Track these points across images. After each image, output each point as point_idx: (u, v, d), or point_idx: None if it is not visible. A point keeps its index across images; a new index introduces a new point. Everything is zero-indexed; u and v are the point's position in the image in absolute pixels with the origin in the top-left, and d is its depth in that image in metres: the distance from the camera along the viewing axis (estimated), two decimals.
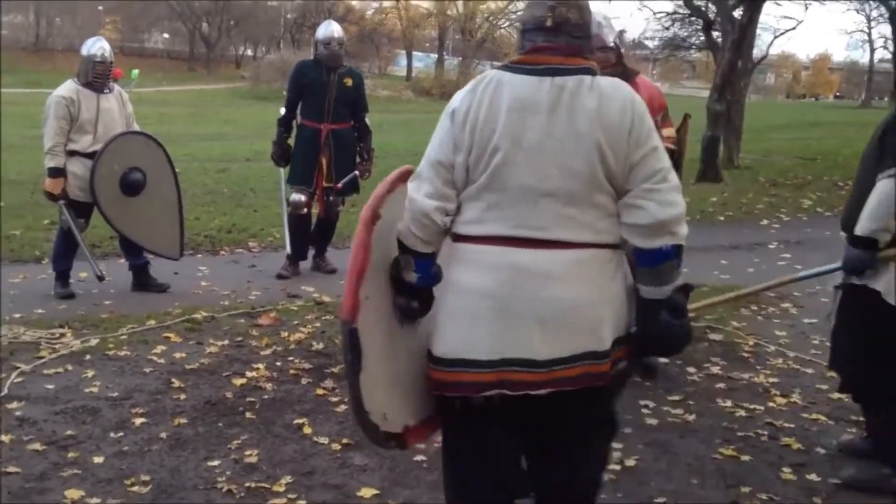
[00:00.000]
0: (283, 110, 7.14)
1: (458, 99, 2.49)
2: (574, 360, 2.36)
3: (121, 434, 3.94)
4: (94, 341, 5.25)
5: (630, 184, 2.38)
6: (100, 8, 61.47)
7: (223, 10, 64.19)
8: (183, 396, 4.43)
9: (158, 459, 3.74)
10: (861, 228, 3.36)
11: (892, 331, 3.44)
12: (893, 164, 3.30)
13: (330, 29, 7.21)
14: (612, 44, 4.93)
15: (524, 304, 2.36)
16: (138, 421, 4.11)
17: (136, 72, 53.51)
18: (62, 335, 5.35)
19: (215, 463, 3.70)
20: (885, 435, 3.61)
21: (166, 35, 68.97)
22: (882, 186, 3.30)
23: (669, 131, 4.87)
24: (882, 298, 3.43)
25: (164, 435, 3.95)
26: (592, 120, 2.34)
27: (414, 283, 2.51)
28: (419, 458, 3.77)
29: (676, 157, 4.82)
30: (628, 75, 4.94)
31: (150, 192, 6.45)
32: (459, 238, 2.48)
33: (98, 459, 3.71)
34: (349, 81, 7.00)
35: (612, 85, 2.42)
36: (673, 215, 2.37)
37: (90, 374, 4.71)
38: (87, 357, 4.98)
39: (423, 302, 2.55)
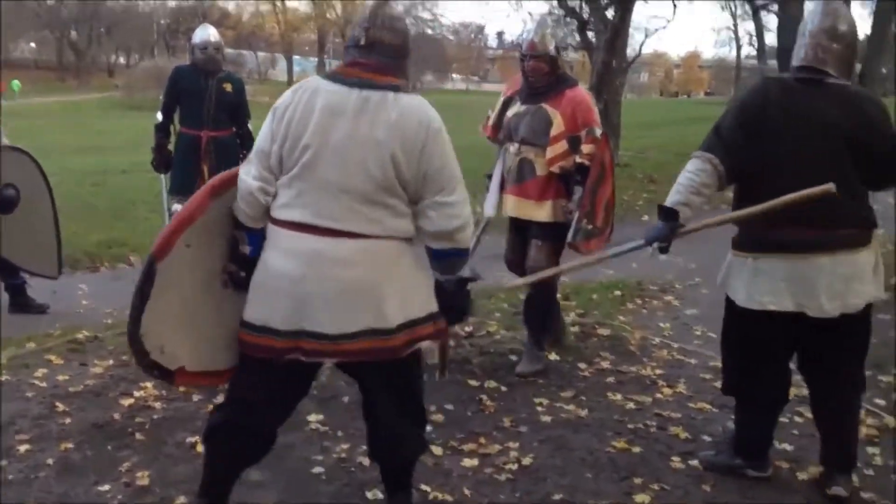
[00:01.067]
0: (159, 116, 6.92)
1: (282, 97, 2.88)
2: (358, 336, 2.77)
3: (5, 462, 3.77)
4: None
5: (422, 193, 2.81)
6: None
7: (92, 17, 62.18)
8: (68, 420, 4.27)
9: (46, 486, 3.59)
10: (667, 200, 3.54)
11: (739, 326, 3.59)
12: (701, 148, 3.51)
13: (206, 33, 7.04)
14: (547, 53, 4.92)
15: (316, 284, 2.75)
16: (23, 448, 3.93)
17: (16, 83, 51.10)
18: None
19: (106, 487, 3.58)
20: (740, 428, 3.75)
21: (33, 44, 66.45)
22: (689, 164, 3.50)
23: (590, 148, 4.81)
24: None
25: (50, 461, 3.80)
26: (390, 131, 2.74)
27: (248, 255, 2.92)
28: (317, 470, 3.76)
29: (585, 174, 4.81)
30: (562, 85, 4.97)
31: (23, 208, 6.17)
32: (272, 220, 2.87)
33: None
34: (228, 87, 6.83)
35: (413, 103, 2.82)
36: (453, 227, 2.84)
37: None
38: None
39: (250, 273, 2.92)
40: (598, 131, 4.88)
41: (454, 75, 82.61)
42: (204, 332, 2.97)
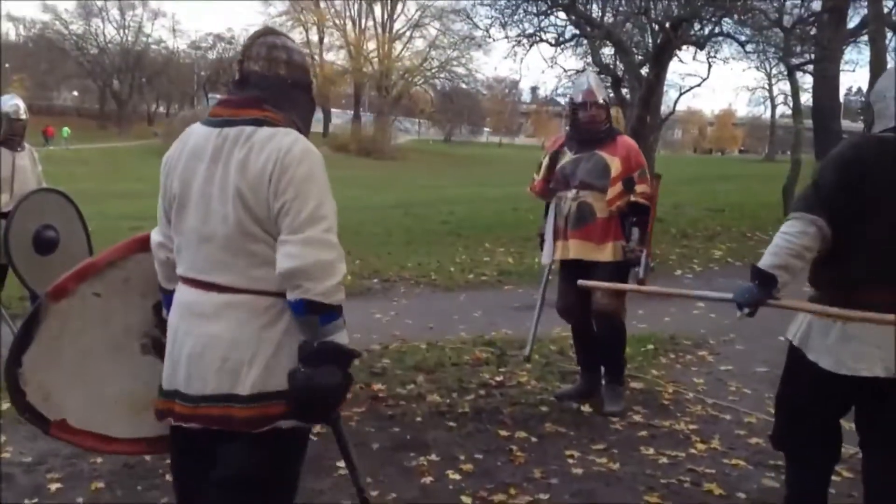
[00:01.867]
0: None
1: (170, 149, 2.65)
2: (216, 400, 2.45)
3: (36, 500, 3.79)
4: (4, 406, 5.04)
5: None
6: (6, 66, 60.27)
7: (134, 67, 63.61)
8: (99, 460, 4.28)
9: None
10: (763, 262, 3.18)
11: (803, 385, 3.36)
12: (799, 208, 3.20)
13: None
14: (602, 101, 5.24)
15: (183, 340, 2.51)
16: (54, 486, 3.95)
17: (66, 129, 53.07)
18: None
19: None
20: (794, 487, 3.60)
21: (76, 92, 68.01)
22: (787, 226, 3.17)
23: (643, 187, 5.12)
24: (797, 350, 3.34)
25: (80, 500, 3.81)
26: (238, 170, 2.43)
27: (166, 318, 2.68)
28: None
29: (647, 213, 5.15)
30: (613, 133, 5.31)
31: (62, 249, 6.28)
32: None
33: None
34: None
35: (268, 135, 2.45)
36: (296, 266, 2.35)
37: (2, 439, 4.52)
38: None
39: None
40: (647, 172, 5.20)
41: (487, 129, 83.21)
42: (104, 393, 2.71)
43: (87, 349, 2.67)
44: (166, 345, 2.59)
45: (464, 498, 3.94)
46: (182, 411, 2.50)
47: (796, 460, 3.50)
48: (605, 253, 5.13)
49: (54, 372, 2.63)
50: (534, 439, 4.74)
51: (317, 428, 3.98)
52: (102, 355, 2.70)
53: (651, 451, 4.60)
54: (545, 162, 5.42)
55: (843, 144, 3.30)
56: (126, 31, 65.07)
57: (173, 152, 2.59)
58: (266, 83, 2.55)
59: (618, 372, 5.33)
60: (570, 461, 4.44)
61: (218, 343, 2.45)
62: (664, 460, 4.48)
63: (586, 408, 5.25)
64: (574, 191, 5.19)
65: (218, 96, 7.74)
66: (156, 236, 2.66)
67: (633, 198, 5.09)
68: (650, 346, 6.87)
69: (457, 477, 4.19)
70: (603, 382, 5.37)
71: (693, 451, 4.63)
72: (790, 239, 3.11)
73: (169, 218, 2.59)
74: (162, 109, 69.06)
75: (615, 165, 5.10)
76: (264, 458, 2.52)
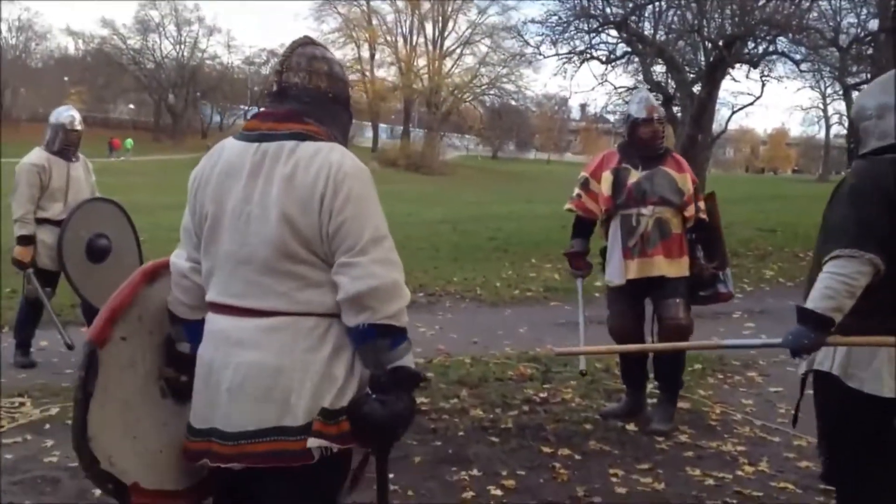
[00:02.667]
0: None
1: (197, 166, 2.48)
2: (261, 435, 2.25)
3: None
4: (54, 410, 5.14)
5: (333, 257, 2.28)
6: (65, 79, 61.71)
7: (189, 82, 64.68)
8: None
9: None
10: (815, 304, 2.99)
11: (848, 414, 3.19)
12: (836, 246, 2.98)
13: None
14: (660, 117, 5.35)
15: (220, 372, 2.31)
16: (98, 491, 3.99)
17: (130, 141, 54.87)
18: (21, 404, 5.24)
19: None
20: None
21: (132, 105, 69.31)
22: (838, 265, 2.95)
23: (702, 204, 5.27)
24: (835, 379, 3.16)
25: None
26: (283, 187, 2.27)
27: (188, 353, 2.45)
28: None
29: (710, 229, 5.27)
30: (668, 150, 5.41)
31: (114, 258, 6.38)
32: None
33: None
34: None
35: (313, 150, 2.31)
36: (367, 289, 2.22)
37: (50, 443, 4.60)
38: (47, 426, 4.87)
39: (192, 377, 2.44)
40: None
41: (535, 147, 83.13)
42: (149, 446, 2.46)
43: (126, 400, 2.42)
44: (196, 380, 2.39)
45: None
46: (222, 451, 2.29)
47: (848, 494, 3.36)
48: (682, 267, 5.19)
49: (109, 431, 2.35)
50: (577, 457, 4.70)
51: None
52: (137, 404, 2.45)
53: (697, 472, 4.53)
54: (608, 178, 5.24)
55: (855, 175, 3.10)
56: (182, 46, 66.25)
57: (203, 169, 2.42)
58: (307, 95, 2.41)
59: (674, 390, 5.32)
60: (614, 480, 4.39)
61: (260, 371, 2.26)
62: (710, 482, 4.40)
63: (631, 426, 5.20)
64: (651, 207, 5.16)
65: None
66: (181, 262, 2.46)
67: (701, 215, 5.20)
68: (698, 366, 6.77)
69: (498, 493, 4.16)
70: (657, 399, 5.36)
71: (740, 472, 4.55)
72: (847, 281, 2.91)
73: (198, 239, 2.41)
74: (216, 120, 70.04)
75: (687, 181, 5.19)
76: (324, 487, 2.37)
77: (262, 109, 2.47)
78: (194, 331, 2.44)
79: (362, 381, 2.36)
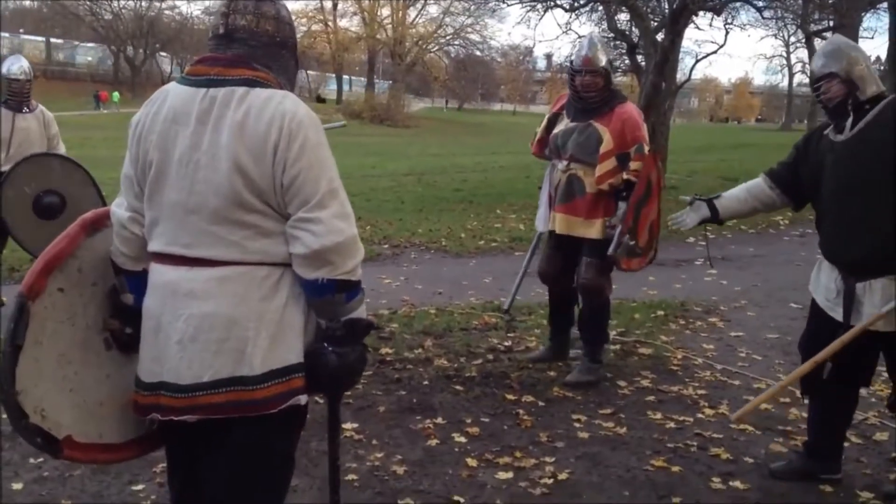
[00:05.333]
0: None
1: (138, 112, 2.39)
2: (217, 386, 2.21)
3: (41, 460, 3.79)
4: None
5: (288, 209, 2.23)
6: (21, 31, 60.28)
7: (148, 34, 63.38)
8: None
9: (80, 485, 3.61)
10: None
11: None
12: None
13: None
14: (601, 68, 4.93)
15: (170, 325, 2.25)
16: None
17: (116, 94, 55.01)
18: None
19: (139, 487, 3.60)
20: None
21: (90, 58, 67.84)
22: None
23: (637, 164, 4.84)
24: None
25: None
26: (235, 134, 2.19)
27: (132, 304, 2.40)
28: (350, 477, 3.72)
29: (631, 190, 4.84)
30: (612, 101, 4.98)
31: (72, 215, 6.24)
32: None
33: (17, 486, 3.58)
34: None
35: (265, 97, 2.23)
36: (331, 244, 2.20)
37: None
38: None
39: (138, 329, 2.38)
40: (647, 148, 4.88)
41: (502, 98, 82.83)
42: (88, 398, 2.40)
43: (63, 353, 2.35)
44: (144, 333, 2.33)
45: (469, 460, 3.93)
46: (174, 403, 2.24)
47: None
48: (594, 230, 4.95)
49: (42, 384, 2.29)
50: (541, 403, 4.73)
51: None
52: (76, 357, 2.39)
53: (658, 415, 4.58)
54: (544, 123, 5.29)
55: None
56: None
57: (145, 115, 2.32)
58: (254, 39, 2.32)
59: (597, 348, 5.16)
60: (577, 425, 4.43)
61: (214, 323, 2.21)
62: (671, 425, 4.46)
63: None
64: (564, 163, 5.02)
65: None
66: (122, 212, 2.37)
67: (625, 175, 4.84)
68: (660, 313, 6.83)
69: (462, 440, 4.18)
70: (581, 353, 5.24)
71: (701, 415, 4.61)
72: None
73: (141, 189, 2.33)
74: (176, 74, 68.87)
75: (606, 139, 4.86)
76: (281, 437, 2.35)
77: (208, 54, 2.35)
78: (137, 282, 2.38)
79: (318, 330, 2.36)
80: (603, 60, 4.97)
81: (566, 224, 5.03)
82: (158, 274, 2.31)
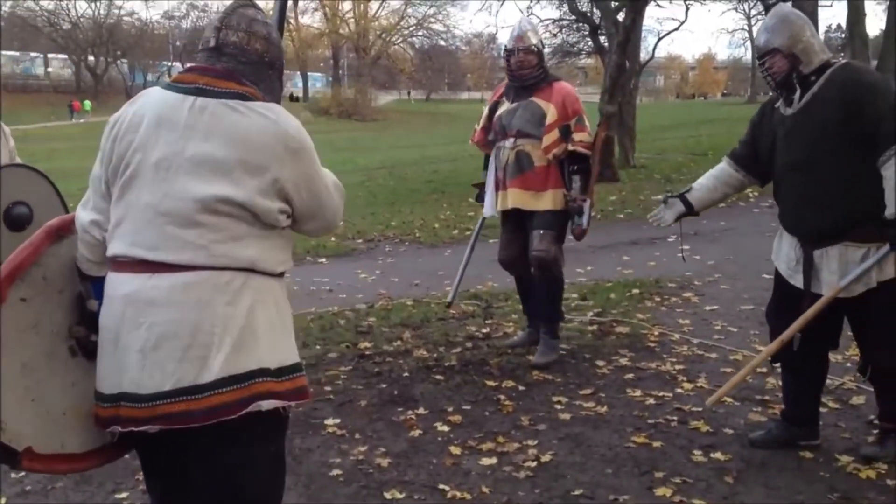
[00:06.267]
0: None
1: (117, 112, 2.40)
2: (176, 395, 2.16)
3: (22, 474, 3.77)
4: None
5: (304, 225, 2.42)
6: None
7: (108, 42, 62.81)
8: None
9: (63, 497, 3.60)
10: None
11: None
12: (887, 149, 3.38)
13: None
14: (533, 46, 5.14)
15: (130, 334, 2.21)
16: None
17: (88, 103, 55.42)
18: None
19: (123, 495, 3.59)
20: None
21: (50, 69, 67.15)
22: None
23: (583, 136, 5.04)
24: None
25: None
26: (227, 144, 2.22)
27: (96, 311, 2.35)
28: (335, 472, 3.73)
29: (587, 161, 5.07)
30: (548, 79, 5.19)
31: (38, 226, 6.18)
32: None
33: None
34: None
35: (260, 112, 2.28)
36: (335, 227, 2.62)
37: None
38: None
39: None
40: (586, 119, 5.11)
41: (469, 86, 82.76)
42: (52, 408, 2.35)
43: (26, 362, 2.29)
44: (101, 345, 2.29)
45: (452, 448, 3.95)
46: (133, 414, 2.19)
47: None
48: (544, 201, 5.08)
49: (4, 395, 2.22)
50: (521, 388, 4.75)
51: None
52: (40, 366, 2.33)
53: (638, 392, 4.62)
54: (485, 113, 5.37)
55: (865, 73, 3.68)
56: (97, 4, 64.17)
57: (123, 116, 2.33)
58: (244, 56, 2.37)
59: (553, 323, 5.24)
60: (558, 407, 4.45)
61: (178, 330, 2.17)
62: (651, 401, 4.50)
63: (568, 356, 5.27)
64: (512, 140, 5.12)
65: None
66: (87, 214, 2.35)
67: (570, 146, 5.01)
68: (635, 291, 6.88)
69: (445, 429, 4.20)
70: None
71: (680, 390, 4.65)
72: None
73: (107, 189, 2.32)
74: (140, 81, 68.22)
75: (550, 112, 5.02)
76: (247, 448, 2.27)
77: (197, 64, 2.38)
78: (99, 288, 2.34)
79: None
80: (534, 40, 5.20)
81: (519, 198, 5.13)
82: (116, 284, 2.26)
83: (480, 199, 5.56)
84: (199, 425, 2.16)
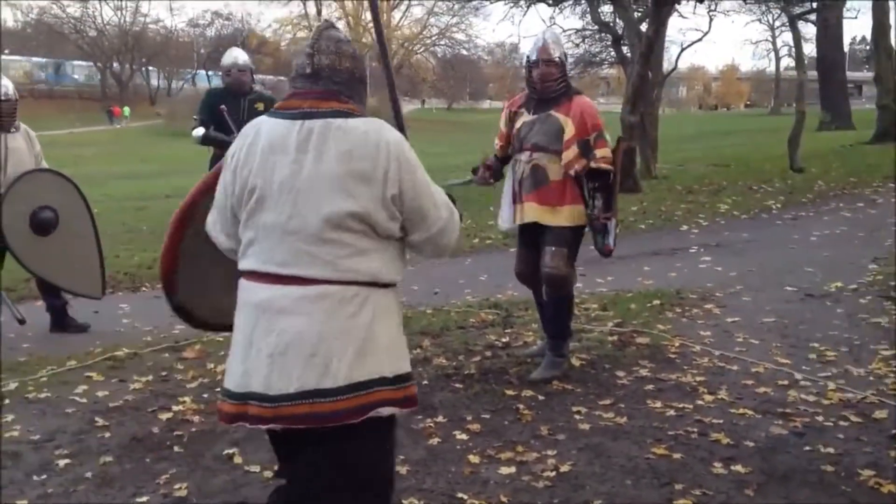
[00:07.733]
0: (200, 130, 7.01)
1: (231, 145, 2.63)
2: (300, 398, 2.37)
3: (44, 476, 3.81)
4: (12, 385, 5.08)
5: (406, 229, 2.54)
6: (6, 52, 60.19)
7: (133, 49, 63.38)
8: (107, 434, 4.31)
9: (85, 499, 3.62)
10: None
11: None
12: None
13: (232, 56, 7.19)
14: (556, 58, 5.07)
15: (262, 339, 2.43)
16: (62, 462, 3.97)
17: (127, 109, 56.65)
18: None
19: (144, 499, 3.60)
20: None
21: (76, 76, 67.82)
22: None
23: (604, 152, 4.94)
24: None
25: (89, 474, 3.83)
26: (340, 161, 2.42)
27: None
28: None
29: (609, 178, 4.98)
30: (569, 92, 5.12)
31: (63, 230, 6.23)
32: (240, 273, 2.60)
33: (22, 503, 3.58)
34: (260, 106, 6.85)
35: (365, 126, 2.49)
36: (448, 249, 2.70)
37: (10, 418, 4.55)
38: (6, 401, 4.81)
39: None
40: (607, 136, 5.04)
41: (490, 96, 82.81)
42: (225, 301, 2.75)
43: (221, 273, 2.73)
44: (234, 346, 2.53)
45: (471, 457, 3.95)
46: (261, 413, 2.41)
47: None
48: (562, 217, 4.99)
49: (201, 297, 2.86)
50: (541, 397, 4.74)
51: None
52: (224, 260, 2.71)
53: (658, 404, 4.60)
54: (503, 122, 5.32)
55: None
56: (123, 11, 64.78)
57: (240, 147, 2.55)
58: (338, 77, 2.57)
59: (560, 341, 5.17)
60: (577, 417, 4.44)
61: (304, 338, 2.38)
62: (671, 413, 4.47)
63: (588, 366, 5.25)
64: (528, 153, 5.05)
65: (219, 73, 7.68)
66: (224, 242, 2.65)
67: (593, 164, 4.90)
68: (656, 302, 6.85)
69: (464, 437, 4.20)
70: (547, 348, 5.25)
71: (700, 402, 4.63)
72: None
73: (234, 214, 2.56)
74: (164, 87, 68.73)
75: (569, 127, 4.94)
76: (370, 450, 2.49)
77: (297, 89, 2.59)
78: None
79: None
80: (557, 52, 5.11)
81: (535, 212, 5.07)
82: (250, 292, 2.49)
83: (475, 171, 5.48)
84: (318, 427, 2.39)
